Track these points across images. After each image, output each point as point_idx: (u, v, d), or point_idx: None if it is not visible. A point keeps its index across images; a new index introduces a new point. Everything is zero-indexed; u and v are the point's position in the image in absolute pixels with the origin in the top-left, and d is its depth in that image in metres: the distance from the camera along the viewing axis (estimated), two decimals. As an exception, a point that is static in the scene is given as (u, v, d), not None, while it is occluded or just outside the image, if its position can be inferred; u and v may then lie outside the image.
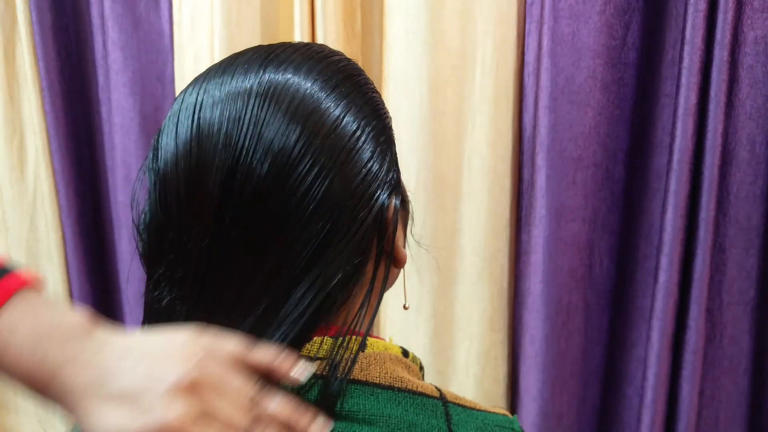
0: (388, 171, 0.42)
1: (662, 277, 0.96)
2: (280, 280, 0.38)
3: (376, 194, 0.40)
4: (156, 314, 0.41)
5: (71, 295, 1.37)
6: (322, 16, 1.05)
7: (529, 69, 1.04)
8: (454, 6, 1.03)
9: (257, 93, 0.38)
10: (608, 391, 1.12)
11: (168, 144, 0.40)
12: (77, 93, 1.32)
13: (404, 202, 0.45)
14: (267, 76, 0.39)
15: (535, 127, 1.02)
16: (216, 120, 0.38)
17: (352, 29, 1.10)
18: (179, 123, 0.40)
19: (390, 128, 0.44)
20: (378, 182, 0.40)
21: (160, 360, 0.32)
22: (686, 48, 0.91)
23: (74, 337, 0.34)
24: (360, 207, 0.39)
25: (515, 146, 1.07)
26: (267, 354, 0.35)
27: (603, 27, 0.98)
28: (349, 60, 0.44)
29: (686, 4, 0.91)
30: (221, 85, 0.40)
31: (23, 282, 0.36)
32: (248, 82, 0.39)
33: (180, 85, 1.19)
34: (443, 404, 0.40)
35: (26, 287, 0.36)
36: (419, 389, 0.40)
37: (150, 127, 1.26)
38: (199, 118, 0.39)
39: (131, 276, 1.30)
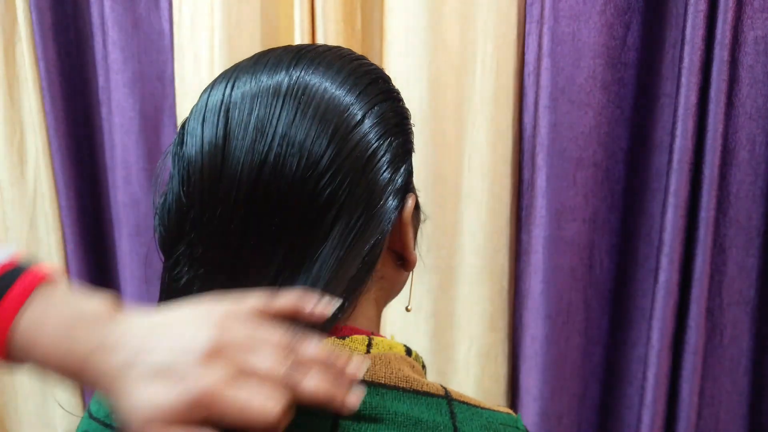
0: (405, 179, 0.43)
1: (662, 277, 0.96)
2: (301, 275, 0.39)
3: (393, 201, 0.42)
4: (173, 293, 0.41)
5: (71, 295, 1.37)
6: (322, 16, 1.05)
7: (529, 69, 1.04)
8: (454, 6, 1.03)
9: (287, 90, 0.39)
10: (608, 390, 1.12)
11: (195, 129, 0.41)
12: (77, 93, 1.32)
13: (416, 208, 0.47)
14: (297, 73, 0.40)
15: (535, 127, 1.02)
16: (246, 111, 0.39)
17: (352, 29, 1.10)
18: (207, 111, 0.41)
19: (411, 140, 0.45)
20: (394, 190, 0.42)
21: (185, 331, 0.32)
22: (686, 48, 0.91)
23: (99, 323, 0.34)
24: (377, 213, 0.41)
25: (515, 146, 1.07)
26: (288, 299, 0.36)
27: (603, 27, 0.98)
28: (377, 66, 0.45)
29: (686, 4, 0.91)
30: (251, 77, 0.41)
31: (41, 277, 0.36)
32: (278, 77, 0.40)
33: (180, 85, 1.19)
34: (448, 402, 0.40)
35: (45, 282, 0.36)
36: (424, 388, 0.40)
37: (150, 127, 1.26)
38: (227, 107, 0.40)
39: (131, 276, 1.30)
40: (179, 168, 0.41)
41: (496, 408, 0.43)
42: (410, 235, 0.45)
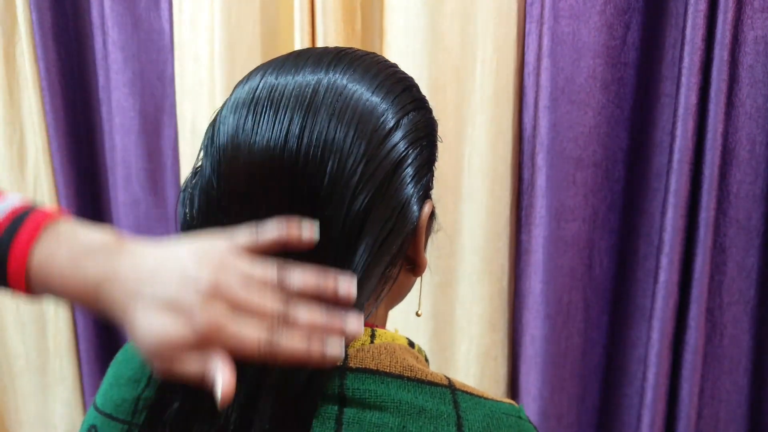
0: (426, 187, 0.44)
1: (662, 276, 0.96)
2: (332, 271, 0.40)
3: (414, 209, 0.42)
4: None
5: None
6: (322, 15, 1.05)
7: (529, 69, 1.04)
8: (454, 6, 1.03)
9: (325, 89, 0.40)
10: (608, 390, 1.12)
11: (227, 118, 0.41)
12: (77, 93, 1.32)
13: (432, 216, 0.47)
14: (336, 75, 0.41)
15: (535, 127, 1.02)
16: (281, 105, 0.40)
17: (352, 29, 1.10)
18: (241, 102, 0.41)
19: (436, 152, 0.47)
20: (416, 198, 0.43)
21: (189, 267, 0.35)
22: (686, 48, 0.91)
23: (107, 253, 0.37)
24: (403, 217, 0.41)
25: (515, 146, 1.07)
26: (272, 231, 0.37)
27: (603, 27, 0.98)
28: (411, 78, 0.47)
29: (686, 4, 0.91)
30: (289, 74, 0.41)
31: (49, 216, 0.39)
32: (316, 76, 0.41)
33: (180, 84, 1.19)
34: (452, 392, 0.41)
35: (53, 220, 0.38)
36: (428, 377, 0.41)
37: (150, 126, 1.26)
38: (266, 100, 0.40)
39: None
40: (211, 155, 0.42)
41: (499, 399, 0.43)
42: (423, 240, 0.46)
